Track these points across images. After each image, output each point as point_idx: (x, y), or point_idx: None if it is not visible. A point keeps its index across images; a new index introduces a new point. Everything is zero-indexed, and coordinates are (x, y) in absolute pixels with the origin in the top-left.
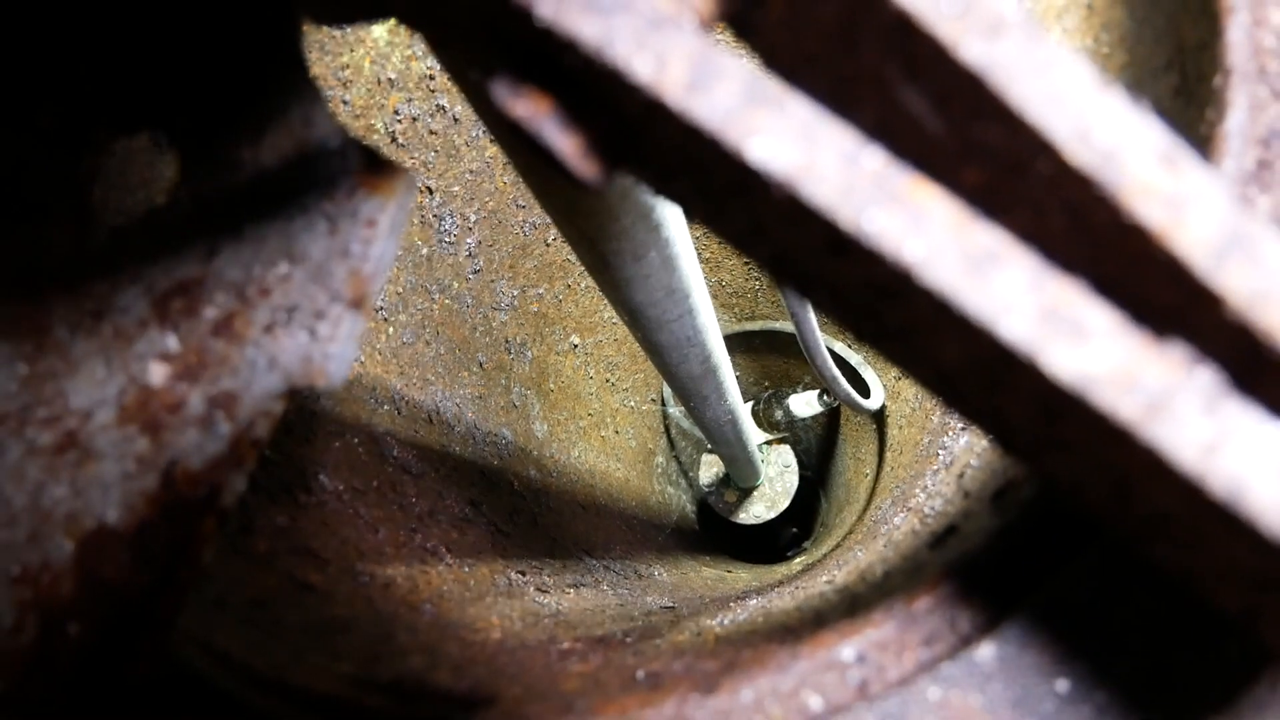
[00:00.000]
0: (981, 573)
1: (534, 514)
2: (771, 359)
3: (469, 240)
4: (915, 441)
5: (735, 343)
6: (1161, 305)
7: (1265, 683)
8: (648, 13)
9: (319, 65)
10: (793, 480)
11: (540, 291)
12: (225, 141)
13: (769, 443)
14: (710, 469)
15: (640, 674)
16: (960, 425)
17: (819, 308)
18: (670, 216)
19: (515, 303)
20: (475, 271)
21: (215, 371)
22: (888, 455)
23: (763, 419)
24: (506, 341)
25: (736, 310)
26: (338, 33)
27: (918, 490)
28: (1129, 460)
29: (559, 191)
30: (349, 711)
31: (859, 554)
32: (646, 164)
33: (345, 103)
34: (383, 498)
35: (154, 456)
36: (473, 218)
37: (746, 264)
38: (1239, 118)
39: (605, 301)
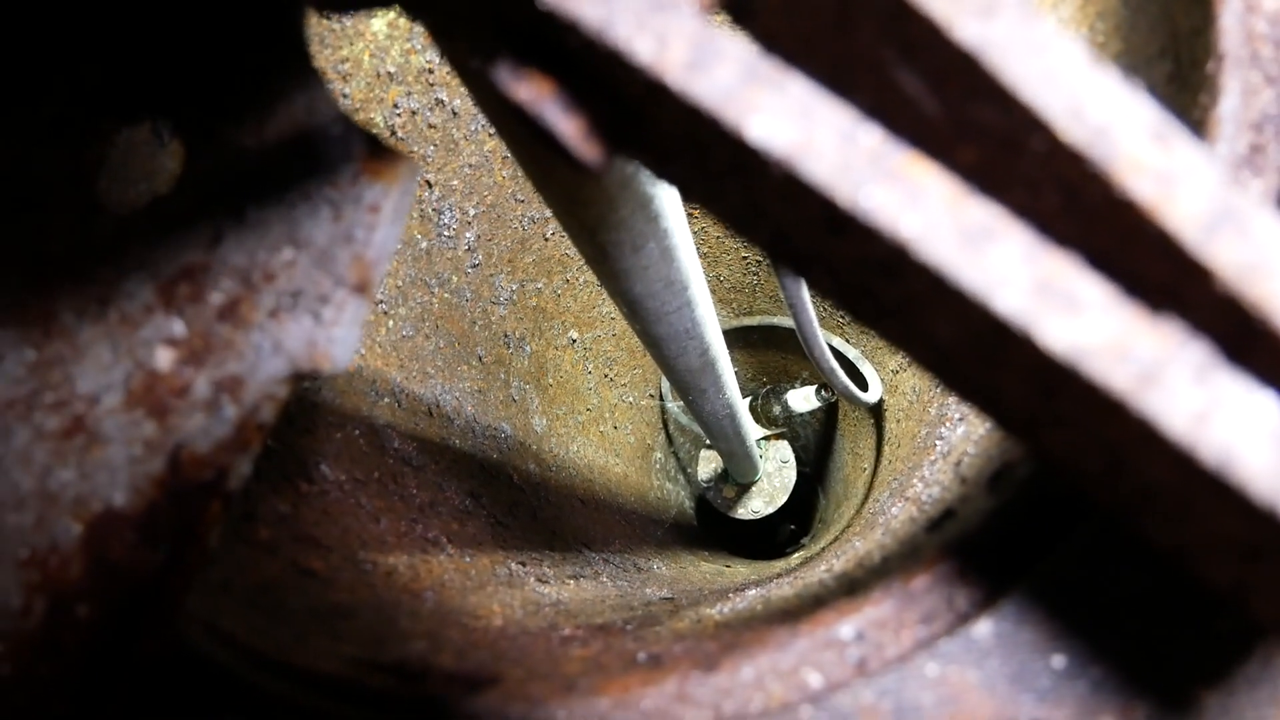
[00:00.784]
0: (978, 552)
1: (533, 507)
2: (770, 354)
3: (468, 234)
4: (913, 434)
5: (733, 338)
6: (1155, 280)
7: (1258, 658)
8: None
9: (319, 59)
10: (791, 475)
11: (539, 286)
12: (229, 129)
13: (767, 438)
14: (708, 464)
15: (642, 655)
16: (957, 415)
17: (816, 288)
18: (669, 208)
19: (514, 297)
20: (474, 266)
21: (221, 356)
22: (885, 449)
23: (761, 414)
24: (505, 336)
25: (735, 305)
26: (337, 26)
27: (915, 480)
28: (1122, 432)
29: (560, 181)
30: (353, 691)
31: (857, 544)
32: (647, 146)
33: (345, 96)
34: (384, 488)
35: (161, 440)
36: (472, 212)
37: (745, 259)
38: (1232, 102)
39: (604, 296)
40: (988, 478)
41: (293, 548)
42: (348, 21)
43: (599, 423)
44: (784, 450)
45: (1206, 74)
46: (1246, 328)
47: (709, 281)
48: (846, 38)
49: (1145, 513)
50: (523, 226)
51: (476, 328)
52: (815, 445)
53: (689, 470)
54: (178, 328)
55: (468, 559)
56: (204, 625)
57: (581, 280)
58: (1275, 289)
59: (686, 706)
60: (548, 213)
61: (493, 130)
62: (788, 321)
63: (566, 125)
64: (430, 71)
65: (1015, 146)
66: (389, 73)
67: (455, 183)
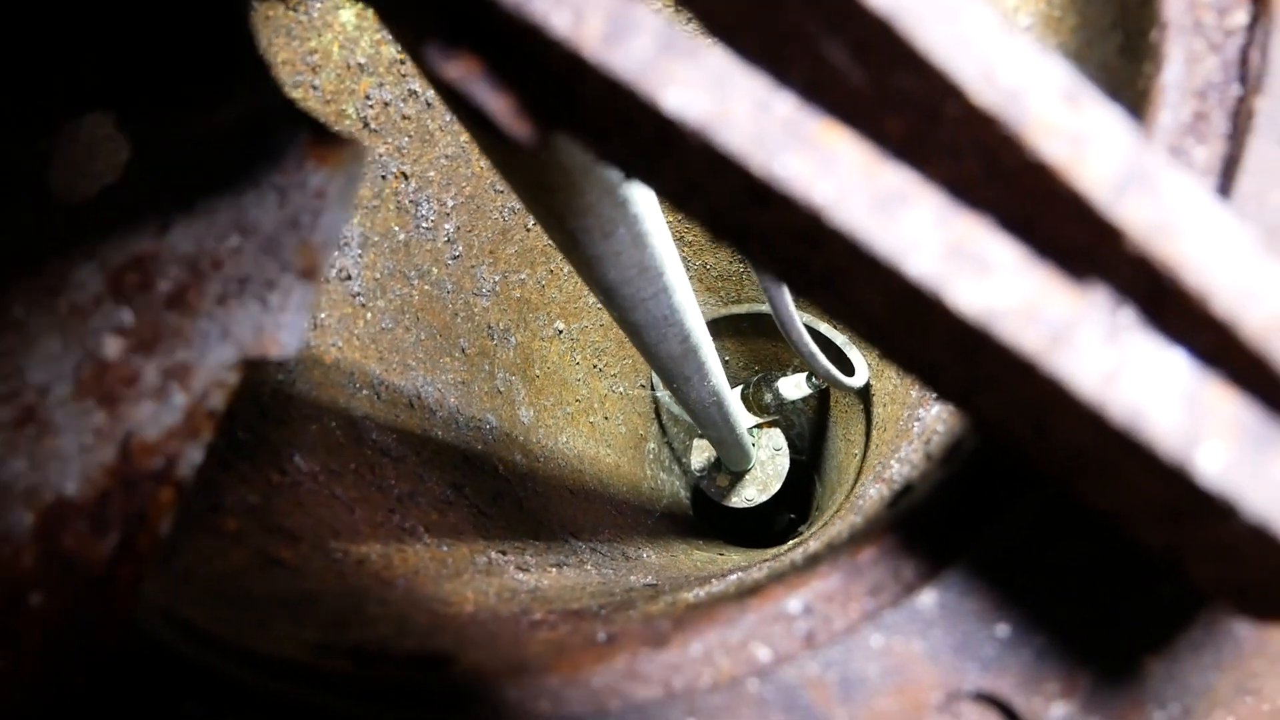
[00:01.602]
0: (925, 524)
1: (519, 498)
2: (760, 342)
3: (447, 226)
4: (896, 417)
5: (723, 326)
6: (1073, 242)
7: (1200, 624)
8: None
9: (286, 50)
10: (784, 463)
11: (523, 277)
12: (177, 118)
13: (759, 426)
14: (702, 454)
15: (601, 635)
16: (933, 396)
17: (757, 263)
18: (638, 193)
19: (497, 288)
20: (455, 257)
21: (169, 344)
22: (874, 433)
23: (752, 403)
24: (489, 327)
25: (722, 294)
26: (304, 18)
27: (893, 462)
28: (1039, 394)
29: (521, 167)
30: (308, 675)
31: (836, 526)
32: (581, 123)
33: (315, 88)
34: (360, 479)
35: (111, 429)
36: (450, 203)
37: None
38: (1175, 70)
39: None
40: (945, 453)
41: (261, 538)
42: (314, 12)
43: (589, 413)
44: (777, 438)
45: (1150, 42)
46: (1158, 287)
47: (696, 269)
48: (775, 10)
49: (1078, 477)
50: (504, 217)
51: (459, 319)
52: (810, 433)
53: (683, 460)
54: (126, 316)
55: (445, 548)
56: (162, 613)
57: (566, 271)
58: (1183, 248)
59: (636, 683)
60: None
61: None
62: None
63: (496, 103)
64: (402, 62)
65: (934, 114)
66: (359, 64)
67: (432, 174)
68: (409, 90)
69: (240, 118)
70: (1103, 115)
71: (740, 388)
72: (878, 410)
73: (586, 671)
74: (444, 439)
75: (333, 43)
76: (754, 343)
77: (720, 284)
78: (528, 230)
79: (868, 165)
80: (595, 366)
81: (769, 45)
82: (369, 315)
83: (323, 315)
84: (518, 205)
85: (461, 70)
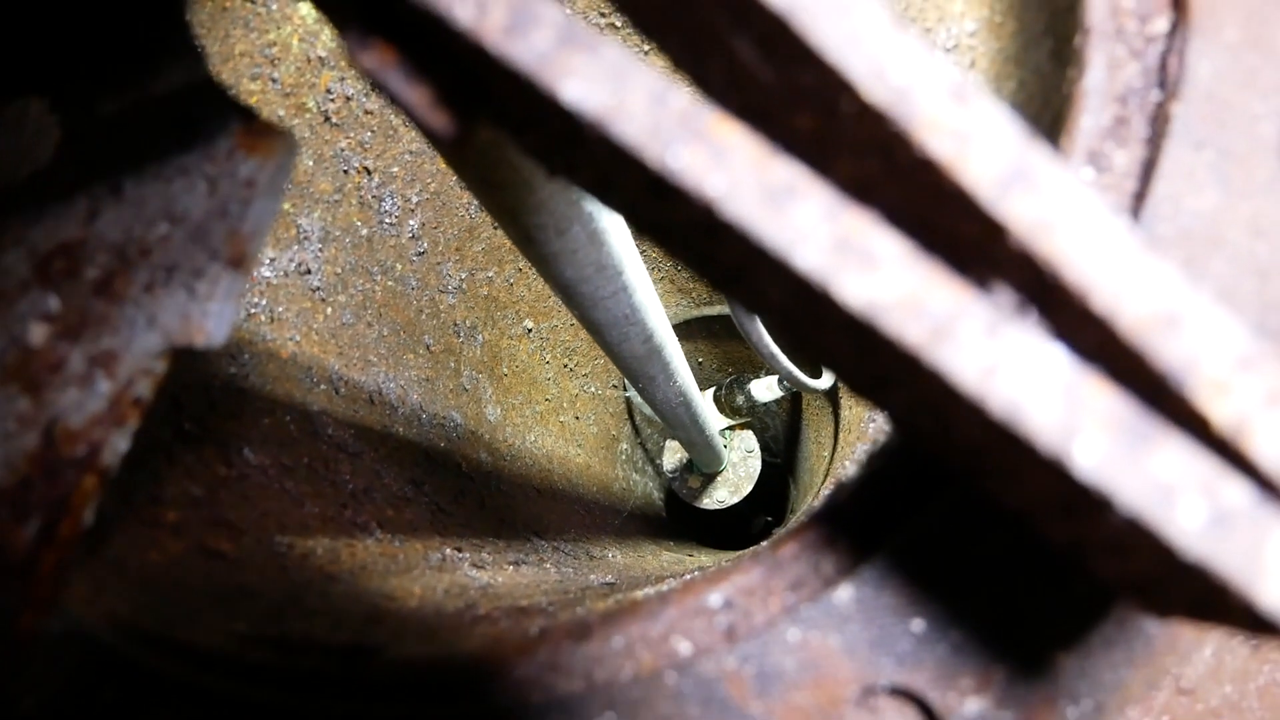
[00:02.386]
0: (845, 518)
1: (481, 496)
2: (733, 344)
3: (411, 222)
4: (860, 419)
5: (696, 328)
6: (964, 238)
7: (1113, 620)
8: None
9: (243, 42)
10: (756, 465)
11: (490, 275)
12: (107, 105)
13: (731, 428)
14: (674, 455)
15: (534, 630)
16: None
17: (675, 257)
18: None
19: (464, 286)
20: (420, 254)
21: (95, 331)
22: (841, 435)
23: (725, 405)
24: (455, 325)
25: (695, 295)
26: (262, 10)
27: (848, 463)
28: (929, 387)
29: (471, 163)
30: (230, 665)
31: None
32: (498, 116)
33: (274, 80)
34: (313, 474)
35: (34, 415)
36: (415, 199)
37: None
38: (1097, 75)
39: None
40: (870, 450)
41: (201, 530)
42: (273, 4)
43: (559, 413)
44: (749, 440)
45: (1074, 48)
46: (1042, 283)
47: (667, 271)
48: (689, 8)
49: (983, 473)
50: (470, 214)
51: (424, 316)
52: (784, 435)
53: (657, 461)
54: (53, 303)
55: (398, 544)
56: (85, 602)
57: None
58: (1064, 245)
59: (558, 675)
60: None
61: None
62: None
63: (412, 94)
64: None
65: (832, 111)
66: (320, 57)
67: (396, 169)
68: (371, 84)
69: (170, 104)
70: (989, 113)
71: (713, 390)
72: (844, 412)
73: (510, 664)
74: (405, 435)
75: (292, 35)
76: (727, 345)
77: (692, 285)
78: (495, 228)
79: (759, 159)
80: (566, 366)
81: (690, 43)
82: (329, 310)
83: (280, 309)
84: None
85: (376, 60)
